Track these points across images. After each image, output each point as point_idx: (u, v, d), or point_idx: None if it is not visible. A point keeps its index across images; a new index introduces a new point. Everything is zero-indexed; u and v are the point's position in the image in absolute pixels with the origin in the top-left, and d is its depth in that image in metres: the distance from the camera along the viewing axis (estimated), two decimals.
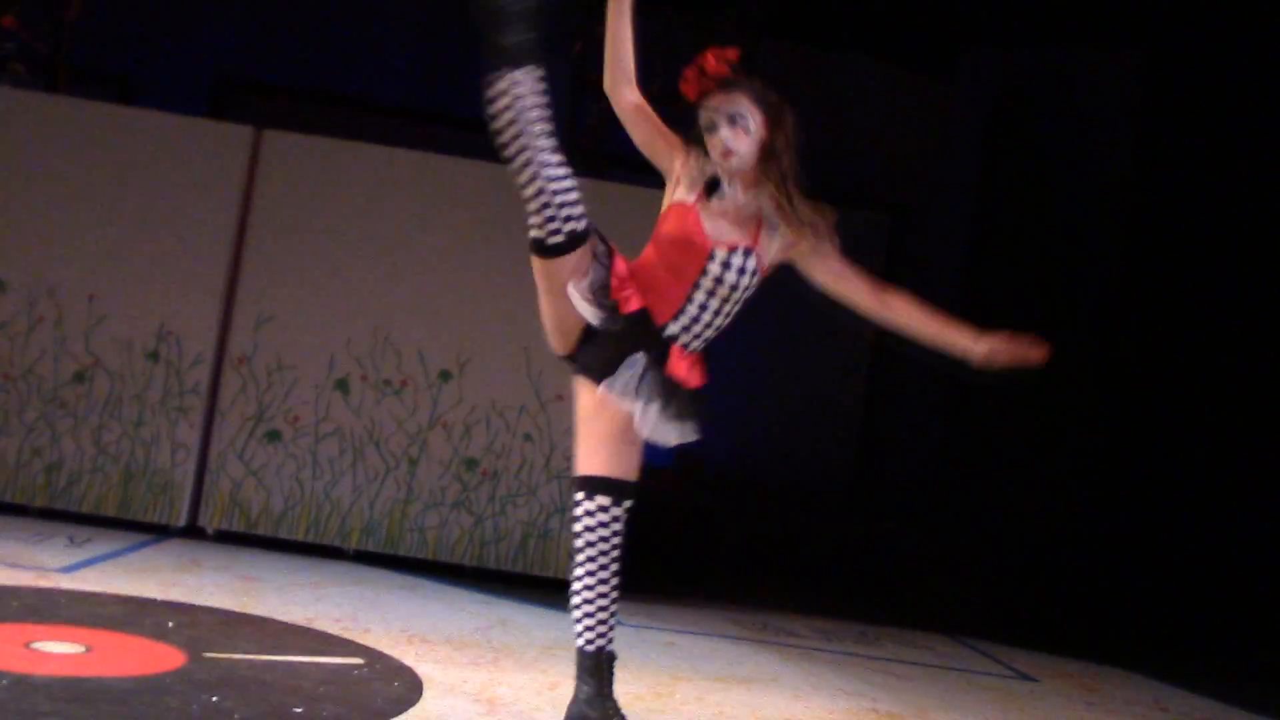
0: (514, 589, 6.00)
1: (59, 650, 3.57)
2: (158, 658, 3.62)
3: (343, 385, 6.37)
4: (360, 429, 6.35)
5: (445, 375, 6.40)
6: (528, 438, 6.38)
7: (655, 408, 3.24)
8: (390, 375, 6.39)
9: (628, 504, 3.33)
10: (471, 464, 6.38)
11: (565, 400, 6.19)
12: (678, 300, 3.29)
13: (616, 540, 3.32)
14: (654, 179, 3.57)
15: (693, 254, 3.28)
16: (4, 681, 3.14)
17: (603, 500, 3.30)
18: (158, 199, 6.37)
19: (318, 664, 3.88)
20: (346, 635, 4.38)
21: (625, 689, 3.78)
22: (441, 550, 6.34)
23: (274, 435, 6.34)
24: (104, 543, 5.68)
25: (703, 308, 3.30)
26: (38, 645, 3.57)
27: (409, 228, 6.48)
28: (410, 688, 3.72)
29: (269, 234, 6.41)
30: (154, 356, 6.31)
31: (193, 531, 6.26)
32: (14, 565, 4.83)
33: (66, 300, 6.29)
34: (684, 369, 3.29)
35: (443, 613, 5.16)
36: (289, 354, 6.36)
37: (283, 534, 6.30)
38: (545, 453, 6.37)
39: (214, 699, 3.25)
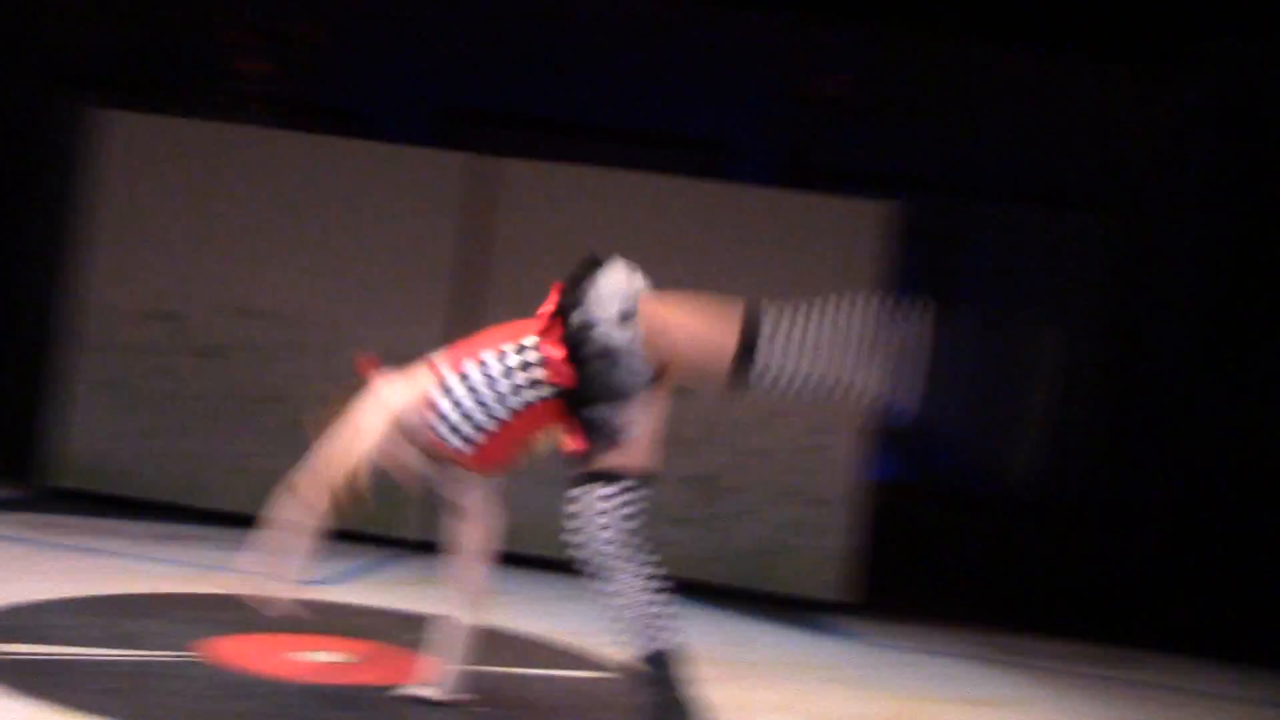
0: (749, 605, 5.97)
1: (323, 659, 3.73)
2: (409, 668, 3.74)
3: None
4: None
5: (677, 390, 6.42)
6: (759, 453, 6.34)
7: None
8: None
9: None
10: (702, 481, 6.38)
11: (792, 414, 6.15)
12: None
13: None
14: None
15: None
16: (266, 689, 3.30)
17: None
18: (387, 229, 6.62)
19: (559, 677, 3.94)
20: (585, 650, 4.43)
21: (871, 709, 3.71)
22: (676, 567, 6.34)
23: None
24: (357, 555, 5.92)
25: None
26: (299, 653, 3.74)
27: (631, 250, 6.53)
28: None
29: (500, 257, 6.58)
30: None
31: (424, 547, 6.46)
32: (278, 577, 5.07)
33: (310, 327, 6.59)
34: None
35: (685, 629, 5.16)
36: None
37: (517, 549, 6.42)
38: (780, 468, 6.33)
39: (467, 710, 3.33)
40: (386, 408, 3.29)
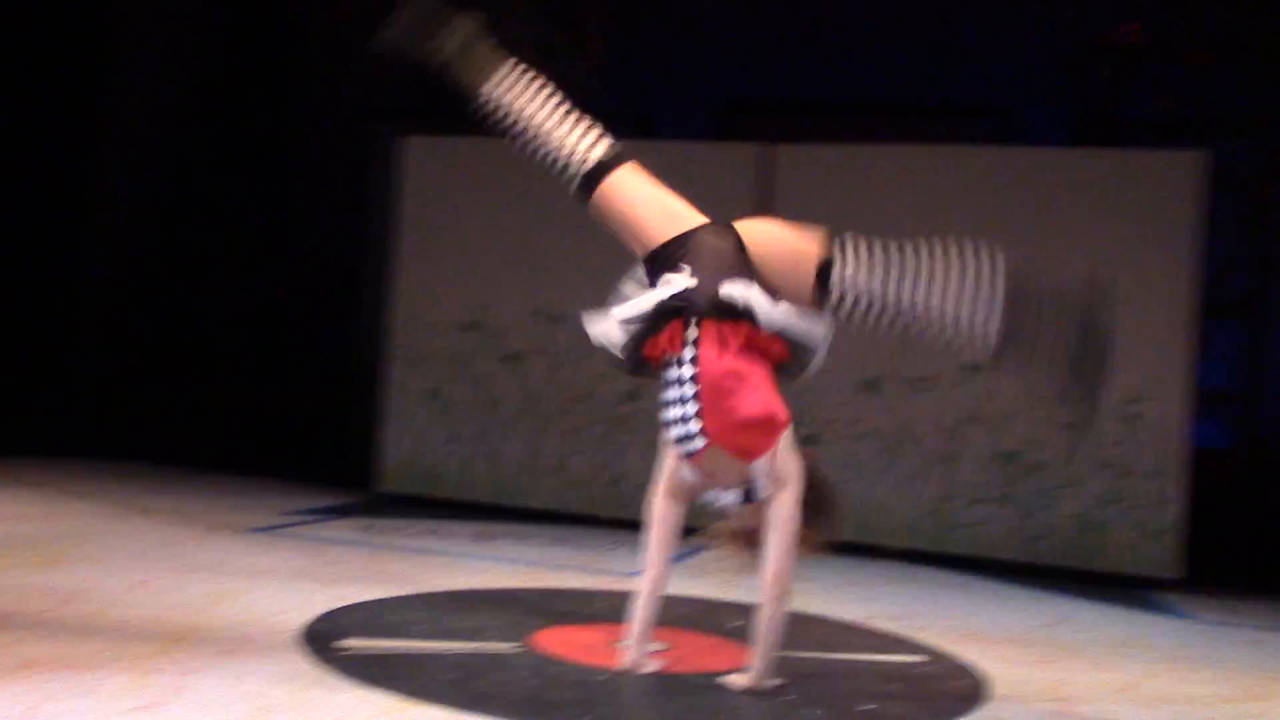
0: (1068, 584, 5.74)
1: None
2: (730, 655, 3.79)
3: (873, 385, 6.40)
4: (894, 428, 6.35)
5: (975, 368, 6.25)
6: (1070, 426, 6.08)
7: None
8: (921, 372, 6.33)
9: None
10: (1011, 457, 6.18)
11: (1108, 384, 5.86)
12: None
13: None
14: None
15: None
16: (602, 676, 3.41)
17: None
18: None
19: (880, 661, 3.90)
20: (903, 634, 4.37)
21: (1217, 690, 3.49)
22: (988, 546, 6.18)
23: (810, 440, 6.47)
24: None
25: None
26: (623, 643, 3.85)
27: (926, 221, 6.39)
28: (975, 686, 3.65)
29: None
30: None
31: None
32: (593, 570, 5.27)
33: None
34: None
35: (998, 610, 5.02)
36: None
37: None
38: (1090, 440, 6.05)
39: (787, 696, 3.34)
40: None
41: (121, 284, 8.78)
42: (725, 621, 4.31)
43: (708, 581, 5.18)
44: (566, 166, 3.54)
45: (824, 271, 3.30)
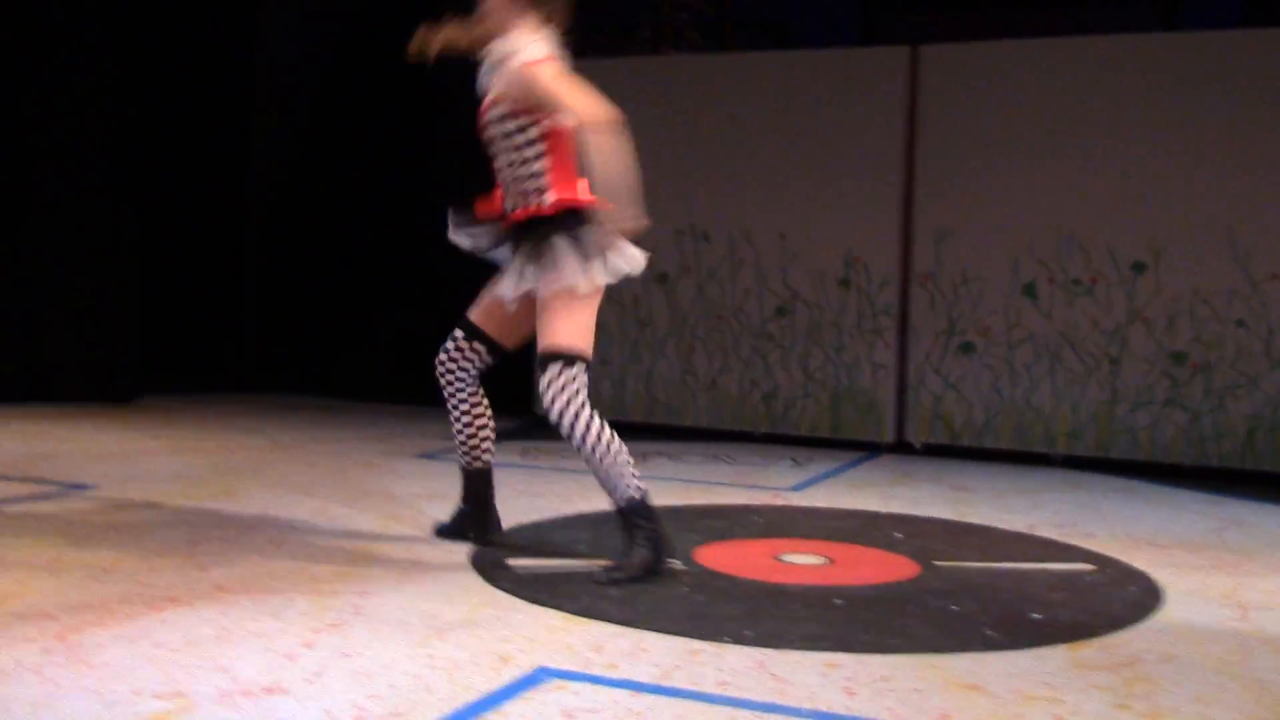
0: (1240, 487, 5.55)
1: (804, 562, 3.85)
2: (893, 567, 3.78)
3: (1030, 290, 6.24)
4: (1054, 332, 6.19)
5: (1139, 266, 6.04)
6: (1240, 324, 5.85)
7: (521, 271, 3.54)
8: (1079, 274, 6.15)
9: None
10: (1179, 358, 5.97)
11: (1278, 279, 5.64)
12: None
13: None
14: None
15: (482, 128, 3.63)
16: (752, 591, 3.44)
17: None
18: (827, 133, 6.62)
19: (1046, 570, 3.84)
20: (1069, 541, 4.30)
21: None
22: (1156, 450, 6.02)
23: (967, 347, 6.37)
24: (822, 462, 6.05)
25: (500, 168, 3.63)
26: (785, 557, 3.88)
27: (1083, 119, 6.16)
28: (1148, 593, 3.57)
29: (937, 148, 6.42)
30: (845, 283, 6.59)
31: (900, 447, 6.49)
32: (750, 486, 5.29)
33: (761, 242, 6.75)
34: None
35: (1167, 515, 4.90)
36: (972, 265, 6.34)
37: (988, 444, 6.32)
38: (1263, 338, 5.81)
39: (952, 606, 3.33)
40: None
41: (281, 227, 9.02)
42: (885, 532, 4.30)
43: (867, 494, 5.17)
44: None
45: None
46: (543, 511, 4.46)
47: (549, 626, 2.99)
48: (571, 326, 3.50)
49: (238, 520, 4.10)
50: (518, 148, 3.57)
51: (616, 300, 7.04)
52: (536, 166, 3.56)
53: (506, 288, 3.63)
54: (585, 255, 3.49)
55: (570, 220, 3.53)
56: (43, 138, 7.18)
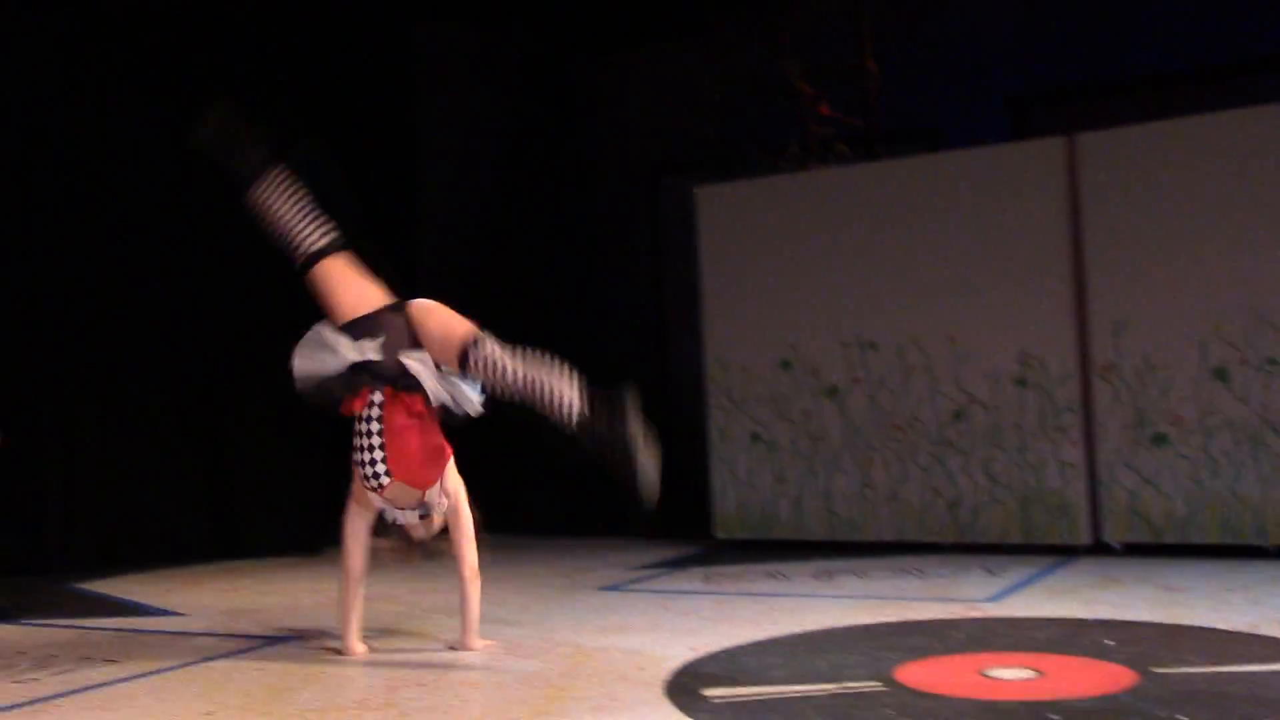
0: None
1: (1012, 676, 3.67)
2: (1108, 677, 3.58)
3: (1222, 374, 5.96)
4: (1252, 416, 5.89)
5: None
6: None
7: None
8: (1273, 352, 5.86)
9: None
10: None
11: None
12: None
13: None
14: None
15: None
16: (963, 710, 3.28)
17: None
18: (988, 231, 6.51)
19: (1275, 671, 3.58)
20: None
21: None
22: None
23: (1160, 439, 6.09)
24: (1017, 569, 5.82)
25: None
26: (991, 672, 3.71)
27: (1256, 192, 5.94)
28: None
29: (1105, 236, 6.25)
30: (1021, 382, 6.41)
31: (1098, 548, 6.21)
32: (944, 599, 5.11)
33: (930, 347, 6.63)
34: None
35: None
36: (1155, 352, 6.11)
37: (1193, 539, 6.00)
38: None
39: (1179, 716, 3.12)
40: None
41: None
42: (1095, 640, 4.08)
43: (1069, 600, 4.94)
44: (296, 248, 4.45)
45: (467, 348, 4.13)
46: (732, 638, 4.37)
47: None
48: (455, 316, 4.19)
49: (433, 663, 4.13)
50: None
51: (786, 417, 6.98)
52: None
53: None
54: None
55: None
56: (233, 300, 7.56)
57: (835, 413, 6.88)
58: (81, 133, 7.23)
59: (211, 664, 4.27)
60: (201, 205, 7.42)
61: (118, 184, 7.33)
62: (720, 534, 7.18)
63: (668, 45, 9.28)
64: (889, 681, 3.59)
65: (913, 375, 6.68)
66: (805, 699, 3.44)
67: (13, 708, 3.70)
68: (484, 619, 4.83)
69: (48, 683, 4.03)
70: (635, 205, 9.66)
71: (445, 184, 9.35)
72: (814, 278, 6.96)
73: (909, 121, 8.32)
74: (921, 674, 3.68)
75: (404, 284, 9.02)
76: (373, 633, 4.75)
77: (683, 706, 3.39)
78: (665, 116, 9.28)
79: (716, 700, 3.48)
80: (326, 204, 8.23)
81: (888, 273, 6.77)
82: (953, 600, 5.07)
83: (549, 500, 8.49)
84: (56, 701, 3.77)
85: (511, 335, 9.38)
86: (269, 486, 7.56)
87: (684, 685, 3.65)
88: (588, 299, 9.82)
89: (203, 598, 5.93)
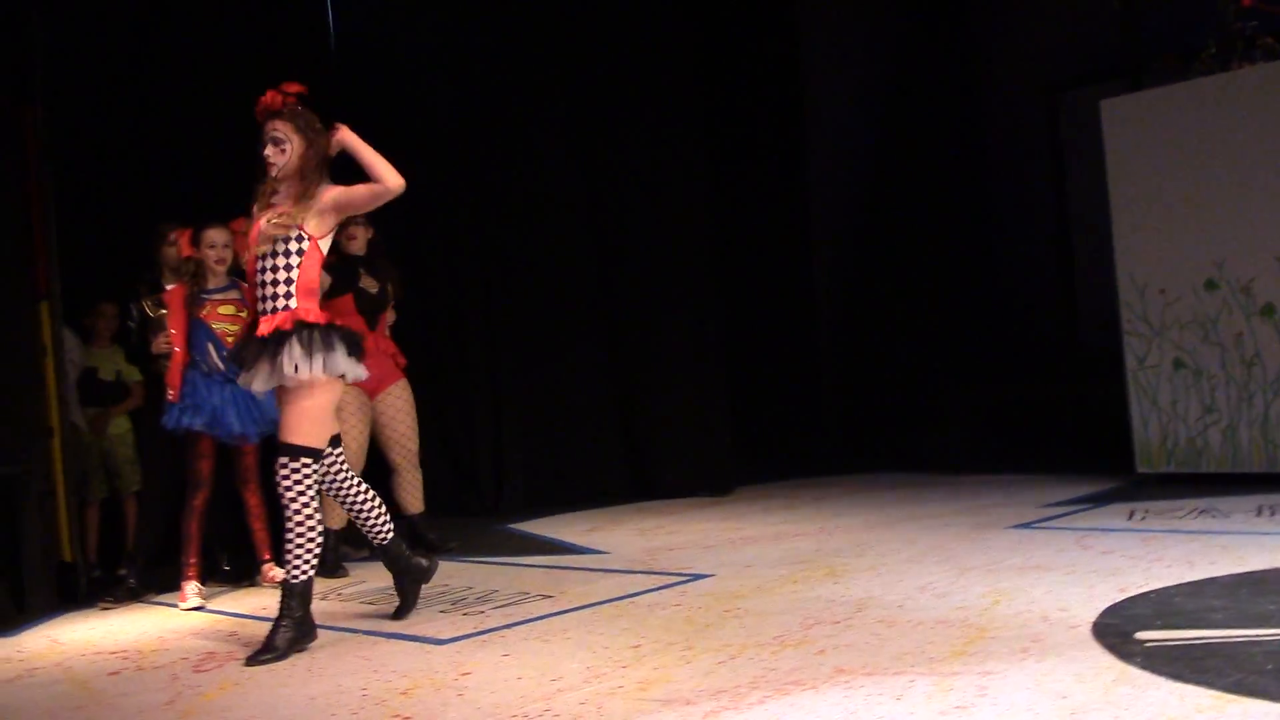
0: None
1: None
2: None
3: None
4: None
5: None
6: None
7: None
8: None
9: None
10: None
11: None
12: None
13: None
14: None
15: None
16: None
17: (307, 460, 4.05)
18: None
19: None
20: None
21: None
22: None
23: None
24: None
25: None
26: None
27: None
28: None
29: None
30: None
31: None
32: None
33: None
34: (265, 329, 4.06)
35: None
36: None
37: None
38: None
39: None
40: None
41: (849, 311, 9.26)
42: None
43: None
44: None
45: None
46: (1163, 578, 4.11)
47: (1198, 706, 2.71)
48: (304, 421, 4.03)
49: (847, 601, 4.14)
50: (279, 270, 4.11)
51: (1214, 341, 6.46)
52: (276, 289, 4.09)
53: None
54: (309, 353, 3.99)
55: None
56: (638, 254, 7.93)
57: (1272, 335, 6.28)
58: (507, 128, 7.85)
59: (635, 600, 4.49)
60: (605, 176, 7.84)
61: (539, 173, 7.93)
62: (1142, 467, 6.76)
63: None
64: None
65: None
66: (1253, 643, 3.18)
67: (466, 637, 4.06)
68: (895, 563, 4.81)
69: (492, 615, 4.39)
70: (1033, 124, 9.22)
71: (833, 109, 9.30)
72: (1240, 188, 6.36)
73: None
74: None
75: (798, 209, 9.17)
76: (788, 567, 4.83)
77: (1114, 650, 3.23)
78: (1063, 27, 8.77)
79: (1151, 644, 3.28)
80: (721, 134, 8.48)
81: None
82: None
83: (949, 438, 8.34)
84: (501, 633, 4.09)
85: (900, 268, 9.28)
86: (678, 432, 7.85)
87: (1113, 627, 3.47)
88: (983, 227, 9.50)
89: (623, 537, 6.24)
